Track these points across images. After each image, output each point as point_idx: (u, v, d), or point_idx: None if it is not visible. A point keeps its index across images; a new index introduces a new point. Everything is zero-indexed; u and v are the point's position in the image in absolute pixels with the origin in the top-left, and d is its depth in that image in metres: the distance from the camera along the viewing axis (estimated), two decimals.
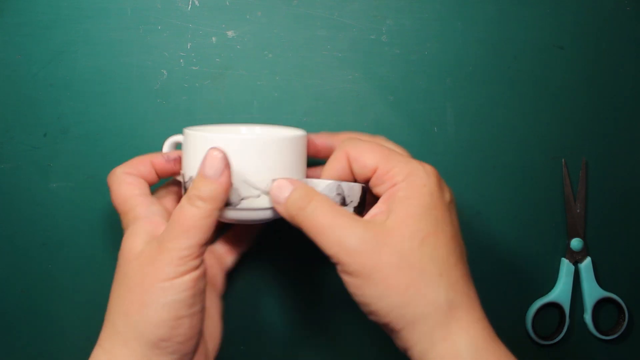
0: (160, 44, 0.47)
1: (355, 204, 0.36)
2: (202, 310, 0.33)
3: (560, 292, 0.48)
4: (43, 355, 0.47)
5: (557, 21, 0.48)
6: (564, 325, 0.48)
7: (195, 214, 0.32)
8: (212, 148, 0.33)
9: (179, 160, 0.40)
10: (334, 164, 0.36)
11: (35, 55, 0.46)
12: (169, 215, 0.36)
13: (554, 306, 0.49)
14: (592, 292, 0.48)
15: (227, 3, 0.47)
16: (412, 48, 0.48)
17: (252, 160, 0.35)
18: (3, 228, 0.47)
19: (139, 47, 0.47)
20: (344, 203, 0.36)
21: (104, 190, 0.47)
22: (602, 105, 0.49)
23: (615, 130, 0.49)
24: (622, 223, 0.49)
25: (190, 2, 0.47)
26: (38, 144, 0.47)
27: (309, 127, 0.47)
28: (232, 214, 0.36)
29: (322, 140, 0.40)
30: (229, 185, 0.33)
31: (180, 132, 0.47)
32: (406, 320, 0.31)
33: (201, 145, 0.35)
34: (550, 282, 0.49)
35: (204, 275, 0.33)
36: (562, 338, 0.49)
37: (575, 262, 0.49)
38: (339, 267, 0.32)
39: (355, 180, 0.36)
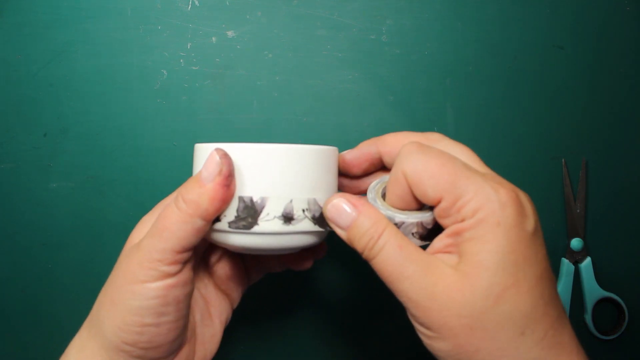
0: (160, 44, 0.47)
1: (420, 237, 0.31)
2: (179, 320, 0.30)
3: (560, 292, 0.48)
4: (43, 355, 0.47)
5: (557, 21, 0.48)
6: None
7: (173, 216, 0.29)
8: (215, 149, 0.29)
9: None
10: (394, 189, 0.30)
11: (35, 55, 0.46)
12: None
13: None
14: (592, 292, 0.48)
15: (227, 3, 0.47)
16: (412, 48, 0.48)
17: (275, 173, 0.30)
18: (3, 228, 0.47)
19: (139, 47, 0.47)
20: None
21: (104, 190, 0.47)
22: (602, 105, 0.49)
23: (615, 130, 0.49)
24: (622, 223, 0.49)
25: (190, 2, 0.47)
26: (38, 144, 0.47)
27: (309, 127, 0.47)
28: (242, 240, 0.31)
29: (352, 155, 0.35)
30: (221, 196, 0.29)
31: (180, 132, 0.47)
32: None
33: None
34: None
35: (182, 284, 0.30)
36: None
37: (575, 262, 0.49)
38: (408, 313, 0.28)
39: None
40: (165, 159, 0.47)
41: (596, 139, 0.49)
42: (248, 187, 0.30)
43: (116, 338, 0.29)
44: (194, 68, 0.47)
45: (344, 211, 0.30)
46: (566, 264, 0.49)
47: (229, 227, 0.30)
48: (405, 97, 0.48)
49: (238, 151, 0.30)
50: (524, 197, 0.28)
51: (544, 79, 0.48)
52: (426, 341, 0.28)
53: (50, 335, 0.47)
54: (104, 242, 0.47)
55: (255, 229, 0.30)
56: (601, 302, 0.49)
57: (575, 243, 0.48)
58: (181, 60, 0.47)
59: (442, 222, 0.29)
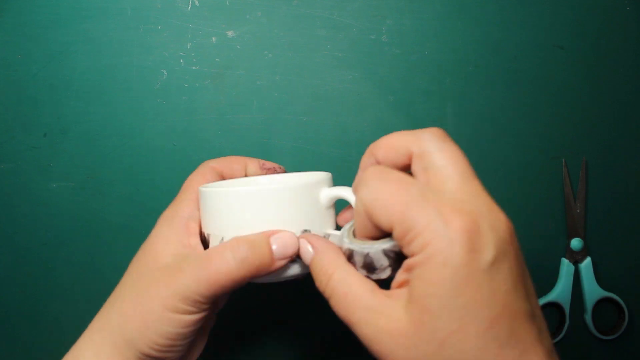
0: (160, 44, 0.47)
1: (385, 269, 0.30)
2: (195, 339, 0.33)
3: (560, 292, 0.48)
4: (43, 355, 0.47)
5: (557, 21, 0.48)
6: (564, 325, 0.48)
7: (228, 270, 0.30)
8: (302, 239, 0.31)
9: (273, 171, 0.39)
10: (357, 218, 0.30)
11: (35, 55, 0.46)
12: None
13: (554, 306, 0.49)
14: (592, 292, 0.48)
15: (227, 3, 0.47)
16: (412, 48, 0.48)
17: (264, 213, 0.32)
18: (3, 228, 0.47)
19: (139, 47, 0.47)
20: (373, 267, 0.30)
21: (104, 190, 0.47)
22: (602, 105, 0.49)
23: (615, 130, 0.49)
24: (622, 223, 0.49)
25: (190, 2, 0.47)
26: (38, 144, 0.47)
27: (309, 127, 0.47)
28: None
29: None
30: (273, 270, 0.32)
31: (180, 132, 0.47)
32: None
33: (217, 202, 0.33)
34: (550, 282, 0.49)
35: (211, 314, 0.32)
36: (562, 338, 0.49)
37: (575, 262, 0.49)
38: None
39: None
40: (165, 159, 0.47)
41: (596, 139, 0.49)
42: (246, 229, 0.32)
43: (141, 353, 0.31)
44: (194, 68, 0.47)
45: (306, 250, 0.31)
46: (566, 264, 0.49)
47: None
48: (405, 97, 0.48)
49: (226, 196, 0.32)
50: (487, 226, 0.26)
51: (544, 79, 0.48)
52: None
53: (50, 335, 0.47)
54: (104, 242, 0.47)
55: None
56: (601, 302, 0.49)
57: (575, 243, 0.48)
58: (181, 60, 0.47)
59: (403, 251, 0.28)
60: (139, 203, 0.47)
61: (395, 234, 0.27)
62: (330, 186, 0.35)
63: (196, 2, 0.47)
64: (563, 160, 0.49)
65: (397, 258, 0.29)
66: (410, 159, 0.29)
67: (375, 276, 0.30)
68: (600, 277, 0.49)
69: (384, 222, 0.27)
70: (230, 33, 0.47)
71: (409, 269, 0.26)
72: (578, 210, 0.48)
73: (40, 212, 0.47)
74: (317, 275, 0.30)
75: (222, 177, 0.38)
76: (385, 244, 0.29)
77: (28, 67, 0.46)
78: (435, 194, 0.27)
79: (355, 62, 0.47)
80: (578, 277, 0.49)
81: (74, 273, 0.47)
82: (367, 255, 0.29)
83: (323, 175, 0.35)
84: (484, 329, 0.25)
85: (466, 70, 0.48)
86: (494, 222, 0.26)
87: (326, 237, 0.33)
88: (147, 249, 0.34)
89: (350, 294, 0.28)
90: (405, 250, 0.27)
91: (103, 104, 0.47)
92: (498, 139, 0.48)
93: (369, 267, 0.29)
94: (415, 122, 0.48)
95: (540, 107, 0.48)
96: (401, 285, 0.27)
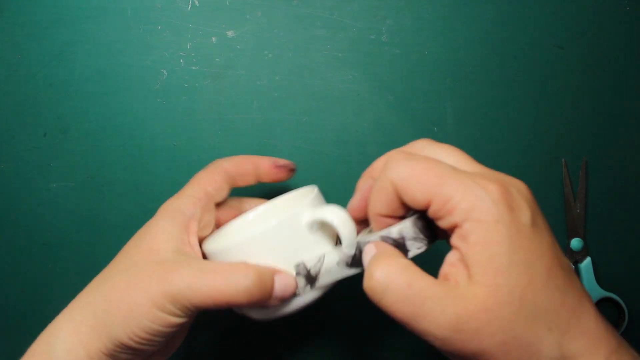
0: (160, 44, 0.47)
1: (420, 242, 0.31)
2: (175, 336, 0.33)
3: None
4: None
5: (557, 21, 0.48)
6: None
7: (232, 295, 0.30)
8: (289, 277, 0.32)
9: (286, 169, 0.39)
10: (380, 197, 0.30)
11: (35, 55, 0.46)
12: (210, 224, 0.36)
13: None
14: (592, 292, 0.48)
15: (227, 3, 0.47)
16: (412, 48, 0.48)
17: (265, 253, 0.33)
18: (3, 228, 0.47)
19: (139, 47, 0.47)
20: (404, 249, 0.30)
21: (104, 190, 0.47)
22: (602, 105, 0.49)
23: (615, 130, 0.49)
24: (622, 223, 0.49)
25: (190, 2, 0.47)
26: (38, 144, 0.47)
27: (309, 127, 0.47)
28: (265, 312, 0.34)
29: (355, 204, 0.34)
30: (263, 306, 0.33)
31: (180, 132, 0.47)
32: None
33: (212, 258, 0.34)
34: None
35: (194, 317, 0.32)
36: None
37: (575, 262, 0.49)
38: (438, 349, 0.27)
39: (409, 210, 0.30)
40: (165, 159, 0.47)
41: (596, 139, 0.49)
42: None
43: (119, 340, 0.30)
44: (194, 68, 0.47)
45: (369, 250, 0.30)
46: None
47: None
48: (405, 97, 0.48)
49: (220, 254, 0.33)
50: (514, 190, 0.28)
51: (544, 79, 0.48)
52: None
53: None
54: (104, 242, 0.47)
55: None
56: (601, 302, 0.49)
57: (575, 243, 0.48)
58: (181, 60, 0.47)
59: (439, 224, 0.28)
60: (139, 203, 0.47)
61: (434, 206, 0.27)
62: (314, 203, 0.34)
63: (196, 2, 0.47)
64: (563, 160, 0.49)
65: (428, 231, 0.30)
66: (396, 190, 0.29)
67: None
68: (600, 277, 0.49)
69: (420, 196, 0.28)
70: (230, 33, 0.47)
71: (462, 239, 0.27)
72: (578, 210, 0.49)
73: (40, 212, 0.47)
74: (371, 268, 0.28)
75: (233, 179, 0.37)
76: (410, 221, 0.30)
77: (28, 67, 0.46)
78: (463, 170, 0.28)
79: (355, 62, 0.47)
80: (578, 277, 0.49)
81: (74, 273, 0.47)
82: (401, 234, 0.30)
83: (300, 204, 0.34)
84: (546, 279, 0.26)
85: (466, 70, 0.48)
86: (518, 187, 0.28)
87: (321, 257, 0.33)
88: (146, 239, 0.33)
89: (415, 285, 0.27)
90: (444, 222, 0.27)
91: (103, 104, 0.47)
92: (498, 139, 0.48)
93: (401, 247, 0.30)
94: (415, 122, 0.48)
95: (540, 107, 0.48)
96: (455, 266, 0.27)
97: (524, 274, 0.26)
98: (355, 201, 0.33)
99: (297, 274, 0.33)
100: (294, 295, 0.33)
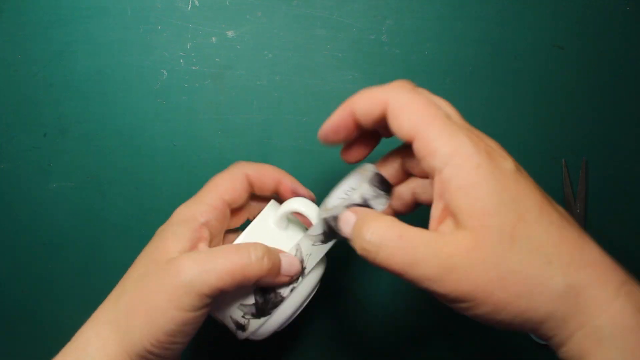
0: (160, 44, 0.47)
1: (381, 197, 0.33)
2: (193, 336, 0.33)
3: None
4: (43, 355, 0.47)
5: (557, 21, 0.48)
6: None
7: (245, 266, 0.31)
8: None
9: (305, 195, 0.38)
10: (368, 105, 0.30)
11: (35, 55, 0.46)
12: (221, 232, 0.36)
13: None
14: None
15: (227, 3, 0.47)
16: (412, 48, 0.48)
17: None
18: (3, 228, 0.47)
19: (139, 47, 0.47)
20: (368, 206, 0.32)
21: (104, 190, 0.47)
22: (602, 105, 0.49)
23: (615, 130, 0.49)
24: (622, 223, 0.49)
25: (190, 2, 0.47)
26: (38, 144, 0.47)
27: (309, 127, 0.47)
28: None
29: (336, 116, 0.33)
30: (276, 282, 0.33)
31: (180, 132, 0.47)
32: (532, 322, 0.26)
33: None
34: None
35: (209, 310, 0.32)
36: None
37: None
38: (436, 296, 0.28)
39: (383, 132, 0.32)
40: (165, 159, 0.47)
41: (596, 139, 0.49)
42: None
43: (143, 349, 0.31)
44: (194, 68, 0.47)
45: (347, 220, 0.31)
46: None
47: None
48: None
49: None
50: (495, 144, 0.29)
51: (544, 79, 0.48)
52: (466, 313, 0.27)
53: (51, 335, 0.47)
54: (104, 242, 0.47)
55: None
56: None
57: None
58: (181, 60, 0.47)
59: (421, 166, 0.29)
60: (139, 203, 0.47)
61: (418, 142, 0.28)
62: (277, 207, 0.36)
63: (196, 2, 0.47)
64: (563, 160, 0.49)
65: (384, 185, 0.33)
66: (384, 109, 0.30)
67: None
68: None
69: (407, 127, 0.28)
70: (230, 33, 0.47)
71: (443, 186, 0.27)
72: (578, 210, 0.48)
73: (40, 212, 0.47)
74: (360, 232, 0.29)
75: (252, 187, 0.37)
76: (367, 183, 0.33)
77: (28, 67, 0.46)
78: (453, 121, 0.29)
79: (355, 62, 0.47)
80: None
81: (74, 273, 0.47)
82: (361, 190, 0.32)
83: (266, 212, 0.36)
84: (538, 215, 0.26)
85: (466, 70, 0.48)
86: (498, 145, 0.29)
87: (298, 246, 0.34)
88: (157, 245, 0.33)
89: (406, 235, 0.27)
90: (425, 164, 0.28)
91: (103, 104, 0.47)
92: (498, 139, 0.48)
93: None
94: None
95: (540, 107, 0.48)
96: (441, 218, 0.28)
97: (512, 211, 0.26)
98: (334, 116, 0.33)
99: None
100: (297, 279, 0.34)
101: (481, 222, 0.26)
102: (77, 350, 0.32)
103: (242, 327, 0.34)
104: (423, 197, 0.34)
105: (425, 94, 0.30)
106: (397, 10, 0.48)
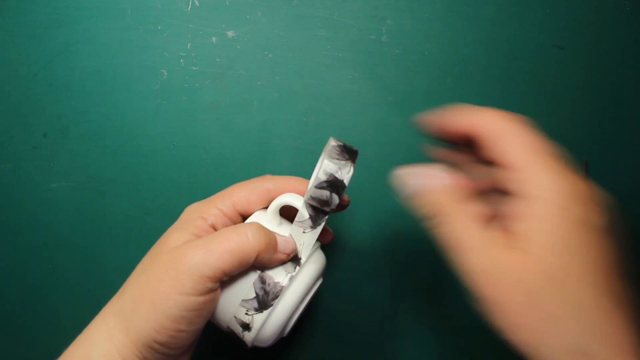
0: (160, 44, 0.47)
1: (345, 167, 0.34)
2: (202, 326, 0.33)
3: None
4: (43, 355, 0.47)
5: (557, 21, 0.48)
6: None
7: (244, 242, 0.32)
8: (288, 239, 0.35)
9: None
10: (467, 121, 0.32)
11: (35, 55, 0.46)
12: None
13: None
14: None
15: (227, 3, 0.47)
16: (412, 48, 0.48)
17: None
18: (3, 228, 0.47)
19: (139, 47, 0.47)
20: (339, 181, 0.34)
21: (104, 190, 0.47)
22: (602, 105, 0.49)
23: (615, 130, 0.49)
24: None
25: (190, 2, 0.47)
26: (38, 144, 0.47)
27: (309, 127, 0.47)
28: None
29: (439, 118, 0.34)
30: (273, 260, 0.34)
31: (180, 132, 0.47)
32: (534, 357, 0.27)
33: None
34: None
35: (216, 299, 0.33)
36: None
37: None
38: (468, 285, 0.29)
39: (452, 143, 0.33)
40: (165, 159, 0.47)
41: (596, 139, 0.49)
42: None
43: (149, 337, 0.31)
44: (194, 68, 0.47)
45: (429, 176, 0.32)
46: None
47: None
48: (405, 97, 0.48)
49: None
50: (595, 194, 0.29)
51: (544, 79, 0.48)
52: (486, 316, 0.28)
53: (51, 335, 0.47)
54: (104, 242, 0.47)
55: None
56: None
57: None
58: (181, 60, 0.47)
59: (503, 186, 0.29)
60: (139, 203, 0.47)
61: (513, 171, 0.29)
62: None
63: (196, 2, 0.47)
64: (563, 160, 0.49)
65: (346, 154, 0.34)
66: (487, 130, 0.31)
67: (328, 207, 0.34)
68: None
69: (510, 156, 0.29)
70: (230, 33, 0.47)
71: (523, 214, 0.28)
72: None
73: (40, 212, 0.47)
74: (432, 203, 0.31)
75: (270, 201, 0.37)
76: (326, 159, 0.34)
77: (28, 67, 0.46)
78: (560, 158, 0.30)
79: (355, 62, 0.47)
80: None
81: (74, 273, 0.47)
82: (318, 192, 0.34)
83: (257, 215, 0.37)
84: (600, 280, 0.27)
85: (466, 70, 0.48)
86: (604, 197, 0.29)
87: (290, 237, 0.35)
88: (162, 240, 0.34)
89: (473, 223, 0.29)
90: (511, 186, 0.29)
91: (103, 104, 0.47)
92: None
93: (336, 183, 0.34)
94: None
95: (540, 107, 0.48)
96: (500, 232, 0.29)
97: (567, 259, 0.27)
98: (450, 120, 0.34)
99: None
100: (294, 267, 0.35)
101: (534, 253, 0.27)
102: (86, 341, 0.33)
103: (247, 326, 0.34)
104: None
105: (536, 132, 0.31)
106: (397, 10, 0.48)
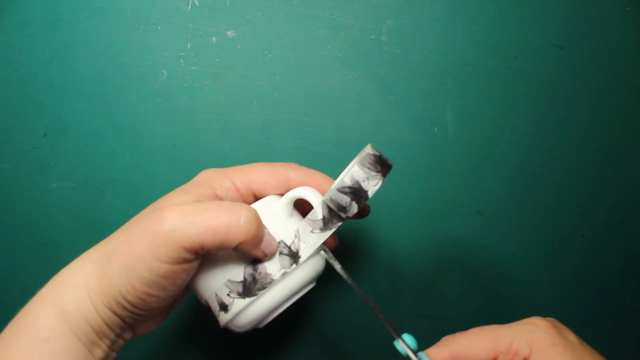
0: (160, 44, 0.47)
1: (374, 179, 0.33)
2: (175, 295, 0.32)
3: None
4: None
5: (557, 21, 0.48)
6: None
7: (227, 220, 0.30)
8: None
9: None
10: (470, 344, 0.34)
11: (35, 55, 0.46)
12: None
13: None
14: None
15: (227, 3, 0.47)
16: (412, 48, 0.48)
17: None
18: (3, 228, 0.47)
19: (139, 47, 0.47)
20: (363, 191, 0.33)
21: (104, 190, 0.47)
22: (602, 105, 0.49)
23: (615, 130, 0.49)
24: (622, 223, 0.49)
25: (190, 2, 0.47)
26: (38, 144, 0.47)
27: (309, 127, 0.47)
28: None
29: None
30: (260, 254, 0.33)
31: (180, 132, 0.47)
32: None
33: None
34: None
35: (191, 270, 0.31)
36: None
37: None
38: None
39: None
40: (165, 159, 0.47)
41: (596, 139, 0.49)
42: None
43: (119, 294, 0.30)
44: (194, 68, 0.47)
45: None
46: None
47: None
48: (405, 97, 0.48)
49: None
50: (555, 321, 0.34)
51: (544, 79, 0.48)
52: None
53: None
54: None
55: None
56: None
57: None
58: (181, 60, 0.47)
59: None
60: (139, 203, 0.47)
61: (501, 356, 0.32)
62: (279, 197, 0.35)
63: (196, 2, 0.47)
64: (563, 160, 0.49)
65: (379, 166, 0.33)
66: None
67: (344, 214, 0.33)
68: (600, 277, 0.49)
69: (485, 355, 0.33)
70: (230, 33, 0.47)
71: None
72: None
73: (40, 212, 0.47)
74: None
75: (288, 188, 0.36)
76: (357, 164, 0.33)
77: (28, 67, 0.46)
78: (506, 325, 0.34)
79: (355, 62, 0.47)
80: None
81: None
82: (333, 199, 0.33)
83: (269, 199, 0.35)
84: None
85: (466, 70, 0.48)
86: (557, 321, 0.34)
87: (297, 232, 0.34)
88: (164, 196, 0.33)
89: None
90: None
91: (103, 104, 0.47)
92: (498, 139, 0.48)
93: (360, 192, 0.33)
94: (415, 122, 0.48)
95: (540, 107, 0.48)
96: None
97: None
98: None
99: (280, 253, 0.33)
100: (290, 264, 0.33)
101: None
102: (61, 283, 0.32)
103: (225, 308, 0.33)
104: None
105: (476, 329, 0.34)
106: (397, 10, 0.48)
